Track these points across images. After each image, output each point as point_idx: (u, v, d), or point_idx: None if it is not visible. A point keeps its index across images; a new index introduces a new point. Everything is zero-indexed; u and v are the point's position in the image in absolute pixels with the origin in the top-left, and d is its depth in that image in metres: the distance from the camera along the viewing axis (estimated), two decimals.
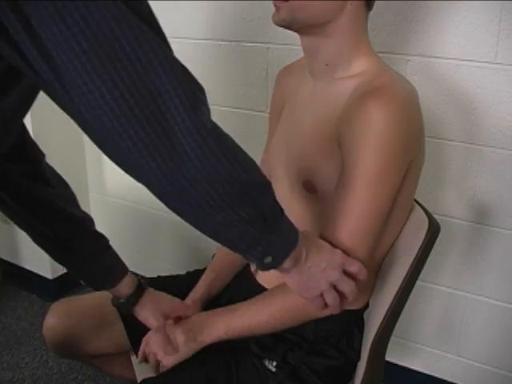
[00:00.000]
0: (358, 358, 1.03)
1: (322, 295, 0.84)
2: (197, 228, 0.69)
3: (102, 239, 1.10)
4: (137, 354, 1.17)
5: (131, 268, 1.13)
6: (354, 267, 0.86)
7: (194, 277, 1.19)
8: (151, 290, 1.10)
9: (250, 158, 0.69)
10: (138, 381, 1.06)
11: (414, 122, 0.89)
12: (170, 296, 1.12)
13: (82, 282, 1.14)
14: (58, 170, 1.07)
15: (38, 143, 1.03)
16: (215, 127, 0.63)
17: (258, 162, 1.23)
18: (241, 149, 0.67)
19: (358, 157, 0.86)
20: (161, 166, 0.60)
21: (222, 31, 1.70)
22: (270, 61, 1.64)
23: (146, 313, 1.07)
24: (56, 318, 1.17)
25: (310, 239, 0.83)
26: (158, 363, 1.01)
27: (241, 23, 1.65)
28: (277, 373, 0.99)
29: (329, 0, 0.90)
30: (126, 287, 1.08)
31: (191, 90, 0.60)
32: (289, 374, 0.98)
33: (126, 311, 1.09)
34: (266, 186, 0.71)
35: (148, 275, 1.25)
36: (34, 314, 2.12)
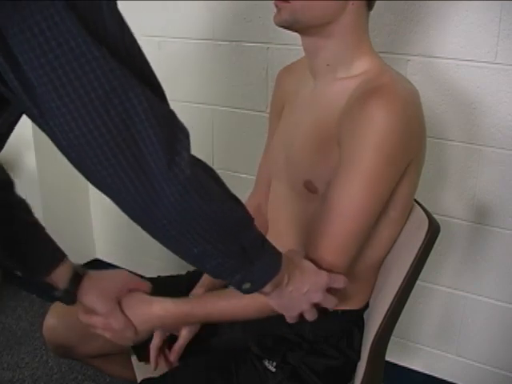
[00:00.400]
0: (358, 358, 1.03)
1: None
2: (175, 254, 0.71)
3: (36, 226, 1.04)
4: (137, 354, 1.17)
5: (131, 268, 1.13)
6: (339, 284, 0.88)
7: (194, 277, 1.19)
8: (91, 273, 1.03)
9: (232, 196, 0.69)
10: (138, 381, 1.06)
11: (414, 121, 0.89)
12: (114, 272, 1.06)
13: (16, 271, 1.08)
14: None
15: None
16: (194, 172, 0.62)
17: (259, 162, 1.24)
18: (223, 186, 0.68)
19: (357, 154, 0.86)
20: (138, 202, 0.61)
21: (222, 31, 1.70)
22: (270, 61, 1.64)
23: (90, 299, 0.99)
24: (56, 318, 1.17)
25: (295, 262, 0.83)
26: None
27: (241, 23, 1.65)
28: (277, 373, 0.99)
29: (330, 0, 0.90)
30: (61, 276, 1.02)
31: (172, 134, 0.61)
32: (289, 375, 0.98)
33: (69, 303, 1.03)
34: (247, 223, 0.71)
35: (148, 275, 1.25)
36: (33, 314, 2.12)
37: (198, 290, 1.14)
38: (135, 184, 0.59)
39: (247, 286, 0.75)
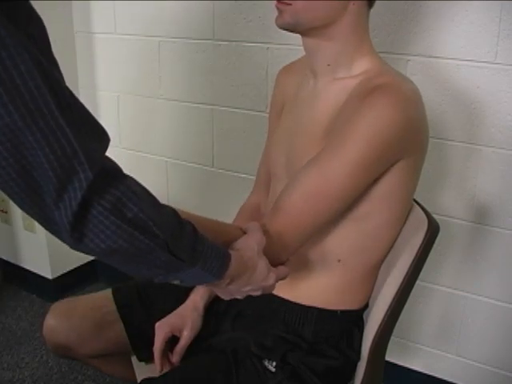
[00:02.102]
0: (358, 358, 1.03)
1: None
2: None
3: None
4: (137, 354, 1.17)
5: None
6: (284, 278, 0.87)
7: None
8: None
9: (137, 224, 0.64)
10: (138, 381, 1.06)
11: (413, 121, 0.89)
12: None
13: None
14: None
15: None
16: (83, 212, 0.59)
17: (259, 162, 1.24)
18: (129, 217, 0.63)
19: (345, 140, 0.86)
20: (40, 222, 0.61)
21: (222, 31, 1.70)
22: (270, 61, 1.64)
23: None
24: (56, 318, 1.17)
25: (247, 265, 0.80)
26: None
27: (241, 23, 1.66)
28: (276, 373, 0.99)
29: (331, 0, 0.90)
30: None
31: (67, 172, 0.57)
32: (288, 375, 0.98)
33: None
34: (154, 248, 0.66)
35: None
36: (33, 314, 2.12)
37: (198, 289, 1.14)
38: (34, 210, 0.59)
39: (181, 283, 0.74)
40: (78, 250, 0.62)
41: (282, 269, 0.87)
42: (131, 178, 0.64)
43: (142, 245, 0.64)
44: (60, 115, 0.56)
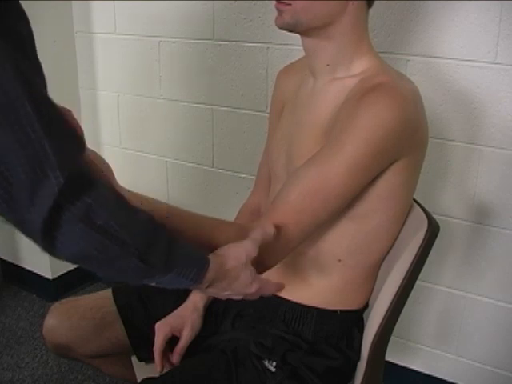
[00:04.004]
0: (358, 358, 1.03)
1: None
2: None
3: None
4: (137, 354, 1.17)
5: None
6: (269, 292, 0.86)
7: None
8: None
9: (109, 233, 0.64)
10: (138, 381, 1.06)
11: (410, 121, 0.88)
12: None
13: None
14: None
15: None
16: (54, 209, 0.59)
17: (259, 162, 1.24)
18: (101, 224, 0.63)
19: (345, 139, 0.86)
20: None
21: (222, 31, 1.70)
22: (270, 61, 1.64)
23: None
24: (56, 318, 1.17)
25: (227, 273, 0.79)
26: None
27: (241, 23, 1.66)
28: (276, 373, 0.99)
29: (331, 0, 0.90)
30: None
31: (41, 171, 0.57)
32: (288, 375, 0.98)
33: None
34: (125, 256, 0.66)
35: None
36: (33, 314, 2.12)
37: (194, 296, 1.14)
38: (9, 213, 0.59)
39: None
40: (51, 255, 0.62)
41: (271, 283, 0.86)
42: (105, 185, 0.64)
43: (111, 252, 0.64)
44: (36, 121, 0.56)
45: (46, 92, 0.61)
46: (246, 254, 0.80)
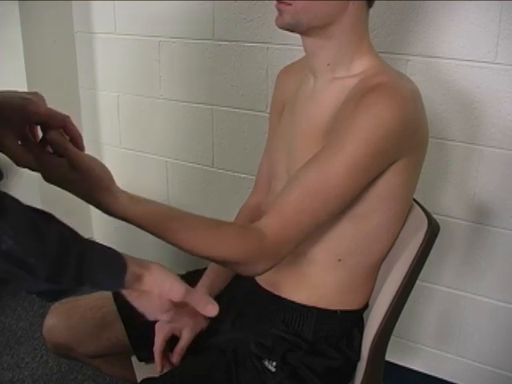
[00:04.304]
0: (358, 358, 1.03)
1: None
2: None
3: None
4: (137, 354, 1.17)
5: None
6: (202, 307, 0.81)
7: (194, 277, 1.19)
8: None
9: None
10: (138, 381, 1.06)
11: (410, 121, 0.88)
12: None
13: None
14: None
15: None
16: None
17: (259, 162, 1.24)
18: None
19: (344, 139, 0.86)
20: None
21: (222, 31, 1.70)
22: (270, 61, 1.64)
23: None
24: (56, 318, 1.17)
25: (140, 290, 0.77)
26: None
27: (241, 23, 1.66)
28: (276, 373, 0.99)
29: (331, 0, 0.90)
30: None
31: None
32: (288, 374, 0.98)
33: None
34: (32, 279, 0.66)
35: None
36: (33, 314, 2.12)
37: (198, 290, 1.15)
38: None
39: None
40: None
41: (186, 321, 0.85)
42: (16, 206, 0.64)
43: (18, 276, 0.65)
44: None
45: None
46: (169, 287, 0.78)
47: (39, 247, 0.65)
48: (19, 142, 0.80)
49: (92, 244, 0.72)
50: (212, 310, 0.79)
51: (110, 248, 0.74)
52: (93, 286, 0.72)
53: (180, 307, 0.80)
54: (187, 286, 0.79)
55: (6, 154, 0.80)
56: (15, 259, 0.63)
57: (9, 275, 0.64)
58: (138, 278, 0.76)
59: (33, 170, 0.81)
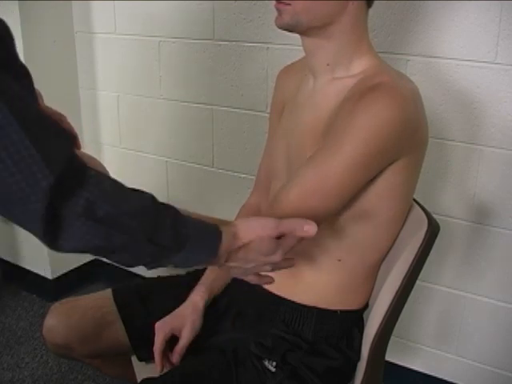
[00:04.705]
0: (358, 358, 1.03)
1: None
2: None
3: None
4: (137, 354, 1.17)
5: (131, 268, 1.13)
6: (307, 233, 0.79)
7: (194, 277, 1.19)
8: None
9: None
10: (138, 381, 1.06)
11: (410, 120, 0.88)
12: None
13: None
14: None
15: None
16: (50, 207, 0.59)
17: (259, 162, 1.24)
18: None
19: (344, 139, 0.86)
20: None
21: (222, 31, 1.70)
22: (270, 61, 1.64)
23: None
24: (56, 318, 1.17)
25: (240, 241, 0.77)
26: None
27: (241, 23, 1.65)
28: (276, 373, 0.99)
29: (331, 0, 0.90)
30: None
31: (29, 174, 0.58)
32: (288, 374, 0.98)
33: None
34: (133, 242, 0.67)
35: (148, 275, 1.25)
36: (33, 314, 2.12)
37: (198, 289, 1.15)
38: (8, 215, 0.61)
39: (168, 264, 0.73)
40: (57, 251, 0.63)
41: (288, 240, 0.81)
42: (99, 174, 0.64)
43: (119, 240, 0.64)
44: (20, 129, 0.57)
45: (33, 90, 0.61)
46: (261, 228, 0.78)
47: (133, 209, 0.65)
48: None
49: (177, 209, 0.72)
50: (311, 228, 0.77)
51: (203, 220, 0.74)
52: (191, 250, 0.71)
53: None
54: (274, 218, 0.79)
55: None
56: (113, 224, 0.62)
57: (110, 248, 0.64)
58: (234, 236, 0.76)
59: None
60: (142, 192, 0.68)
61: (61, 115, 0.82)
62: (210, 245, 0.74)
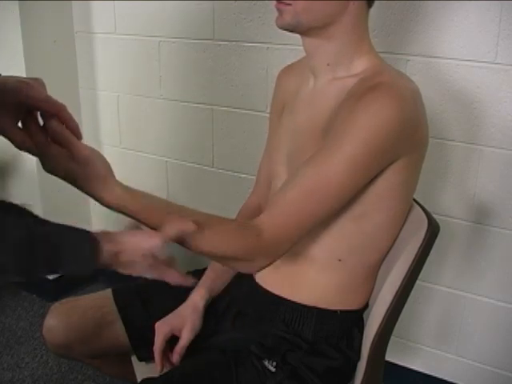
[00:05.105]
0: (358, 358, 1.03)
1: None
2: None
3: None
4: (137, 354, 1.17)
5: None
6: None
7: (194, 277, 1.19)
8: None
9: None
10: (138, 381, 1.06)
11: (410, 120, 0.88)
12: None
13: None
14: None
15: None
16: None
17: (259, 162, 1.24)
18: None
19: (343, 139, 0.86)
20: None
21: (222, 31, 1.70)
22: (270, 61, 1.64)
23: None
24: (56, 318, 1.17)
25: (121, 263, 0.79)
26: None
27: (241, 23, 1.65)
28: (276, 373, 0.99)
29: (331, 0, 0.90)
30: None
31: None
32: (288, 374, 0.98)
33: None
34: (4, 276, 0.70)
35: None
36: (33, 314, 2.12)
37: (198, 290, 1.15)
38: None
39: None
40: None
41: (174, 273, 0.85)
42: None
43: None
44: None
45: None
46: (146, 248, 0.79)
47: (5, 246, 0.66)
48: (20, 126, 0.81)
49: (61, 231, 0.73)
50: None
51: (81, 231, 0.75)
52: (64, 272, 0.73)
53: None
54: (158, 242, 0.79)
55: (6, 137, 0.80)
56: None
57: None
58: (115, 255, 0.77)
59: (33, 155, 0.81)
60: (18, 223, 0.69)
61: (61, 104, 0.82)
62: (84, 268, 0.74)
